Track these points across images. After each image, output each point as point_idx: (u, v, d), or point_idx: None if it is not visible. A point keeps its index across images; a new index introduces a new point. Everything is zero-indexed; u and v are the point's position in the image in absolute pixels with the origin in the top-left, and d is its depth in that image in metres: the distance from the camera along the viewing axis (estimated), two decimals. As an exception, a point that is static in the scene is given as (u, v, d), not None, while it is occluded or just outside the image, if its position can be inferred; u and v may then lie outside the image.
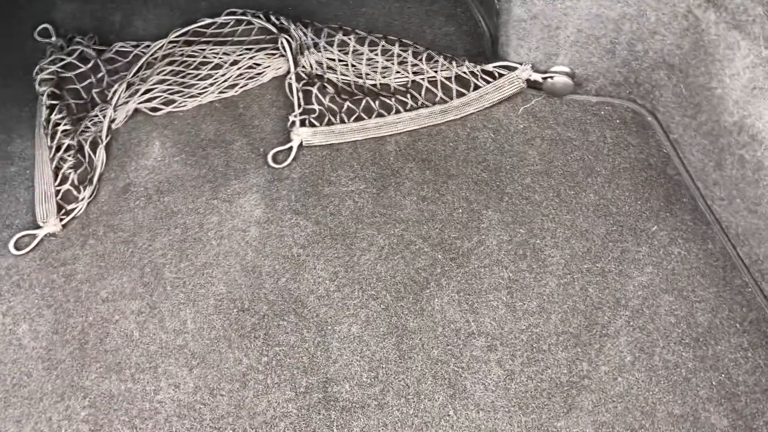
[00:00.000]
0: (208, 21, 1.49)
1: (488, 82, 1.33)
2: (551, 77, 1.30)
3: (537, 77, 1.30)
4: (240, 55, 1.45)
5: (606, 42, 1.20)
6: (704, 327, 1.13)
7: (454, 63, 1.35)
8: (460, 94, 1.34)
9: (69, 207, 1.30)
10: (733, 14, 0.99)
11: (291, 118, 1.35)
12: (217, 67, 1.45)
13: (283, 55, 1.42)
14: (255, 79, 1.43)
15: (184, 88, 1.43)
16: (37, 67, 1.46)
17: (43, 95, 1.41)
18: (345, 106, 1.35)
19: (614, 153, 1.28)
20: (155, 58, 1.46)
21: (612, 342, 1.13)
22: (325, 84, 1.37)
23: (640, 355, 1.11)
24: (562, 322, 1.15)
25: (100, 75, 1.45)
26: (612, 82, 1.28)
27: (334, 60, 1.40)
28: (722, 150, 1.11)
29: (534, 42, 1.27)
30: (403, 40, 1.41)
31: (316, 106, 1.35)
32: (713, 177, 1.16)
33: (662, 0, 1.08)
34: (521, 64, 1.32)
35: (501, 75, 1.33)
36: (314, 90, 1.35)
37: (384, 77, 1.38)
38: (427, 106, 1.35)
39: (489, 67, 1.34)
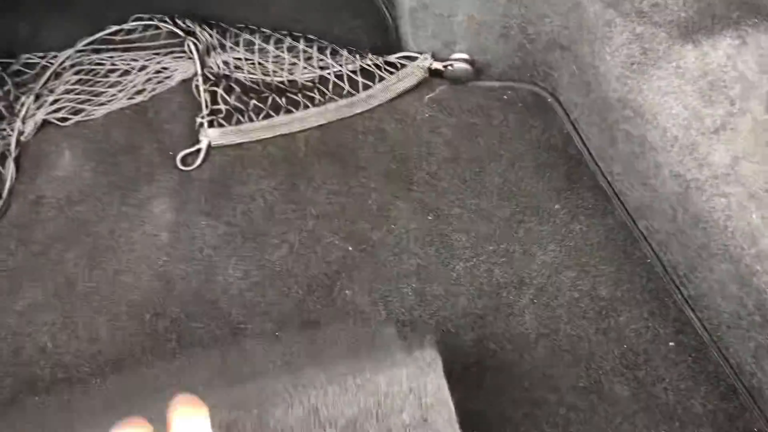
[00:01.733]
0: (116, 28, 1.48)
1: (392, 74, 1.35)
2: (451, 65, 1.31)
3: (437, 66, 1.32)
4: (148, 60, 1.45)
5: (498, 27, 1.22)
6: (606, 300, 1.15)
7: (358, 56, 1.36)
8: (366, 87, 1.35)
9: (-22, 223, 1.28)
10: (606, -8, 1.02)
11: (198, 120, 1.35)
12: (126, 73, 1.44)
13: (190, 58, 1.42)
14: (163, 83, 1.43)
15: (92, 96, 1.42)
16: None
17: (-53, 112, 1.39)
18: (252, 105, 1.35)
19: (517, 136, 1.30)
20: (63, 68, 1.45)
21: (517, 321, 1.15)
22: (232, 84, 1.38)
23: (545, 332, 1.14)
24: (469, 304, 1.17)
25: (6, 88, 1.43)
26: (511, 66, 1.30)
27: (240, 59, 1.40)
28: (612, 126, 1.13)
29: (430, 31, 1.28)
30: (309, 36, 1.42)
31: (222, 107, 1.35)
32: (610, 153, 1.19)
33: (544, -17, 1.10)
34: (421, 53, 1.33)
35: (403, 66, 1.35)
36: (219, 90, 1.35)
37: (291, 74, 1.39)
38: (334, 100, 1.36)
39: (391, 58, 1.35)
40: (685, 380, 1.08)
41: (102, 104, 1.42)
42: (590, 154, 1.25)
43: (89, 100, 1.42)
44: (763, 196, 0.91)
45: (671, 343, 1.11)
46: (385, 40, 1.40)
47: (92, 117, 1.41)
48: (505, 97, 1.34)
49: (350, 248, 1.23)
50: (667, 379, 1.08)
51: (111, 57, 1.46)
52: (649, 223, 1.14)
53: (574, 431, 1.05)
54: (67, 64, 1.45)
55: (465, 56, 1.30)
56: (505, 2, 1.17)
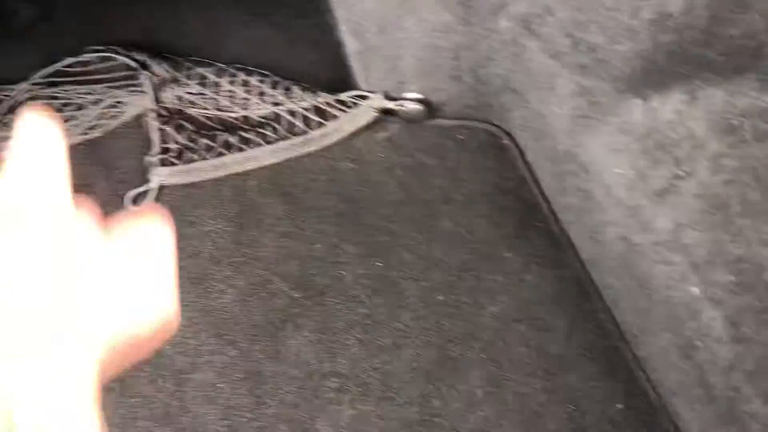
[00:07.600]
0: (71, 60, 1.45)
1: (345, 112, 1.31)
2: (403, 105, 1.27)
3: (390, 106, 1.28)
4: (102, 93, 1.42)
5: (448, 69, 1.17)
6: (555, 357, 1.11)
7: (309, 93, 1.32)
8: (319, 125, 1.31)
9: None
10: (547, 43, 0.97)
11: (147, 158, 1.32)
12: (80, 107, 1.41)
13: (144, 92, 1.39)
14: (117, 118, 1.40)
15: (46, 131, 1.39)
16: None
17: None
18: (202, 143, 1.32)
19: (470, 178, 1.26)
20: (18, 102, 1.42)
21: (464, 376, 1.11)
22: (182, 121, 1.34)
23: (492, 390, 1.10)
24: (415, 358, 1.13)
25: (-40, 122, 1.42)
26: (466, 106, 1.25)
27: (194, 94, 1.37)
28: (561, 176, 1.09)
29: (379, 72, 1.24)
30: (262, 71, 1.38)
31: (173, 145, 1.32)
32: (562, 202, 1.14)
33: (490, 29, 1.05)
34: (373, 93, 1.29)
35: (355, 104, 1.31)
36: (168, 128, 1.32)
37: (244, 109, 1.35)
38: (287, 138, 1.32)
39: (343, 96, 1.31)
40: (632, 446, 1.04)
41: (55, 139, 1.39)
42: (545, 199, 1.20)
43: (42, 135, 1.39)
44: (706, 268, 0.86)
45: (619, 406, 1.07)
46: (340, 75, 1.36)
47: (45, 153, 1.38)
48: (459, 136, 1.29)
49: (296, 295, 1.20)
50: (614, 444, 1.04)
51: (66, 90, 1.43)
52: (601, 277, 1.10)
53: (514, 498, 1.01)
54: (23, 97, 1.43)
55: (418, 96, 1.26)
56: (452, 47, 1.12)
